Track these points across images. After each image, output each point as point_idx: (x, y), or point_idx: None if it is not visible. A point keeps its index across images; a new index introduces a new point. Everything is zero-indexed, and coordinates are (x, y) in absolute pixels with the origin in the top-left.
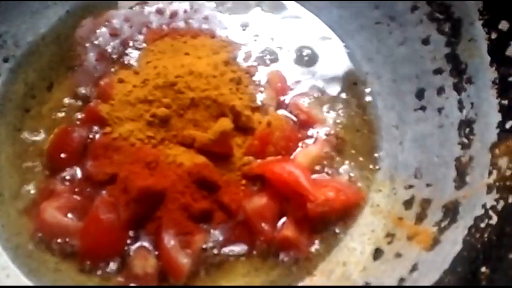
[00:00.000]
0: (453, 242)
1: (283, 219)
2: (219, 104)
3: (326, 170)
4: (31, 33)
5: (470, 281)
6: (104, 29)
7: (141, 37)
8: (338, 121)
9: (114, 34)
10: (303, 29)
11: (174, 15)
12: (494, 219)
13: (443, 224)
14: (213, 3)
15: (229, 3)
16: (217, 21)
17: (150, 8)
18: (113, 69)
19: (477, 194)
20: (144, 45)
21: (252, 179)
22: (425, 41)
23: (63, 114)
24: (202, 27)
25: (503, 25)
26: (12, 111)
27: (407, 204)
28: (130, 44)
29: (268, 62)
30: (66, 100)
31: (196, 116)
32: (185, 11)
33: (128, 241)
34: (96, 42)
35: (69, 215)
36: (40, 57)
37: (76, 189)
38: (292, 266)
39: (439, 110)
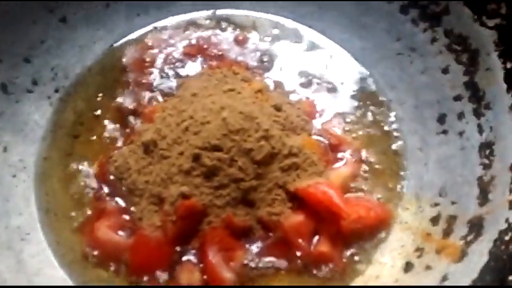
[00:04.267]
0: (480, 253)
1: (317, 236)
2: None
3: (356, 190)
4: (79, 66)
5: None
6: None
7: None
8: (365, 144)
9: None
10: (329, 58)
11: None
12: None
13: (469, 238)
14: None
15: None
16: (251, 53)
17: (195, 34)
18: (155, 97)
19: (500, 210)
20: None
21: (288, 198)
22: (445, 70)
23: (109, 140)
24: (238, 59)
25: None
26: (63, 137)
27: (434, 220)
28: (170, 66)
29: (297, 89)
30: (112, 126)
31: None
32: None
33: (175, 256)
34: (140, 70)
35: (120, 233)
36: (87, 88)
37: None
38: (327, 280)
39: (460, 134)
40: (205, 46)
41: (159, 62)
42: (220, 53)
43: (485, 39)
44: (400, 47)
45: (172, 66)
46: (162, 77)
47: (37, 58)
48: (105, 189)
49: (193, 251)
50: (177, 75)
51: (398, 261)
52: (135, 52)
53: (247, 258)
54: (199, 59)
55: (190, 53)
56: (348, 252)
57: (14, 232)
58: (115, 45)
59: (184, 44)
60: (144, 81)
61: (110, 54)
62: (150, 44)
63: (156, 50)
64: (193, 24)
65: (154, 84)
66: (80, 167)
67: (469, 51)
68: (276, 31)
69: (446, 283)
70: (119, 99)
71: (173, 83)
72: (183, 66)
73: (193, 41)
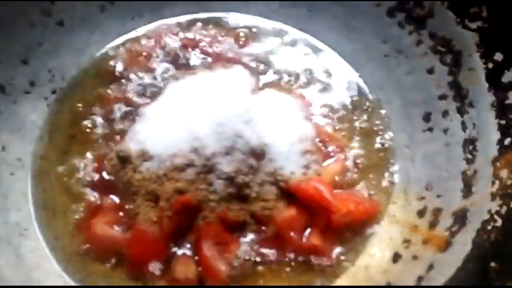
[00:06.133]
0: (464, 243)
1: (309, 230)
2: None
3: (346, 185)
4: (75, 68)
5: (482, 274)
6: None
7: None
8: (355, 142)
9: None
10: (320, 60)
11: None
12: (499, 222)
13: (454, 229)
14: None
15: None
16: (246, 54)
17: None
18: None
19: (483, 202)
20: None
21: (280, 193)
22: (430, 71)
23: (104, 139)
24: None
25: (498, 56)
26: (60, 137)
27: (421, 213)
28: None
29: (292, 88)
30: (107, 126)
31: None
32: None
33: (171, 250)
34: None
35: (116, 228)
36: (83, 89)
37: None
38: (318, 272)
39: (445, 131)
40: (203, 41)
41: (155, 55)
42: (218, 50)
43: (467, 41)
44: (388, 49)
45: (168, 60)
46: (156, 72)
47: (34, 60)
48: (101, 187)
49: (188, 245)
50: (176, 68)
51: (387, 252)
52: (129, 52)
53: (241, 251)
54: (196, 53)
55: (188, 45)
56: (338, 245)
57: (12, 228)
58: (109, 47)
59: (182, 37)
60: (138, 80)
61: (105, 57)
62: (145, 40)
63: (152, 44)
64: (186, 27)
65: (149, 81)
66: (76, 166)
67: (453, 53)
68: (269, 34)
69: (432, 272)
70: (114, 99)
71: (167, 80)
72: (179, 60)
73: (191, 36)
